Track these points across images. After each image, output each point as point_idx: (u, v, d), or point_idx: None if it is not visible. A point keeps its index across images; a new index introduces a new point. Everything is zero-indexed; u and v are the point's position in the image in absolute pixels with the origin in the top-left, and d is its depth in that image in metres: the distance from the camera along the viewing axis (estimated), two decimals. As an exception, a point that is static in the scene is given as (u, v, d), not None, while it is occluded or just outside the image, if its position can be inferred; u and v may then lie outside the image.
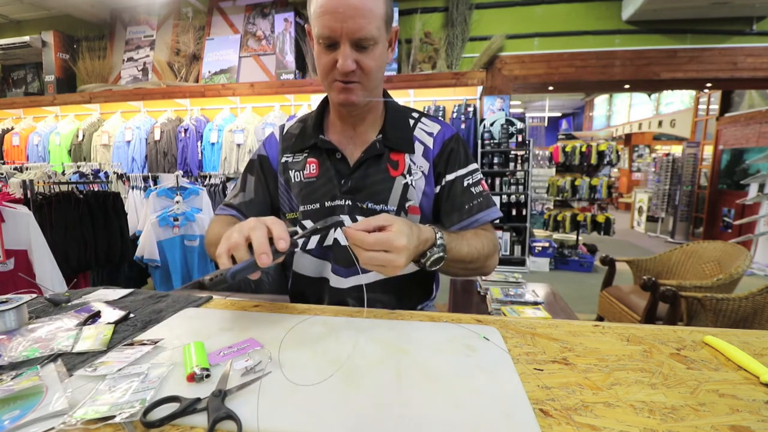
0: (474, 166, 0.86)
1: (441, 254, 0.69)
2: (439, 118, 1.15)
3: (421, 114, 0.89)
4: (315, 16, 0.69)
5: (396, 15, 4.07)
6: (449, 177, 0.83)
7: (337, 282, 0.82)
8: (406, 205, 0.81)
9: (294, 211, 0.85)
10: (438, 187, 0.84)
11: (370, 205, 0.80)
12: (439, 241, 0.69)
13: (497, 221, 4.39)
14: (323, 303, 0.85)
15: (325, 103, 0.89)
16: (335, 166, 0.82)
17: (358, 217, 0.81)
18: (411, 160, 0.82)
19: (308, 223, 0.82)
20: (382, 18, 0.70)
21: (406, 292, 0.85)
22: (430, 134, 0.85)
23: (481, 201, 0.83)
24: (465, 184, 0.83)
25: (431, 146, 0.84)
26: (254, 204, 0.87)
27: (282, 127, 0.92)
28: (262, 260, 0.54)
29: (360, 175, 0.81)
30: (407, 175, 0.81)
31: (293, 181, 0.84)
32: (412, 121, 0.86)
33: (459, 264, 0.74)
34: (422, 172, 0.83)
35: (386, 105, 0.86)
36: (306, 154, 0.85)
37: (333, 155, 0.83)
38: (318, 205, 0.81)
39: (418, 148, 0.83)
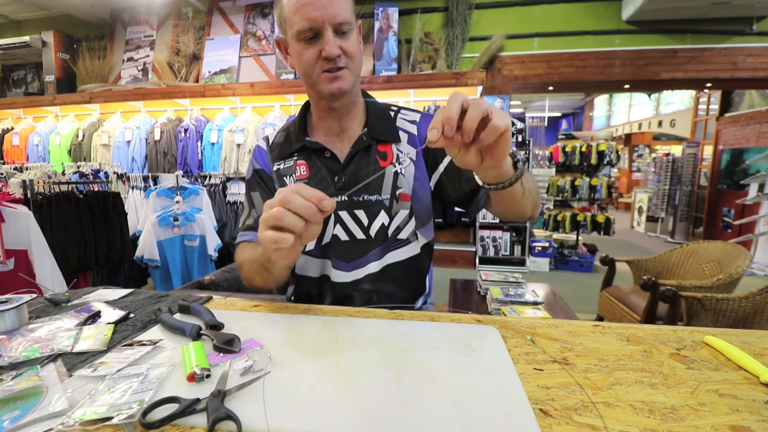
0: None
1: (524, 165, 0.62)
2: None
3: (399, 107, 0.92)
4: (291, 13, 0.72)
5: (396, 15, 4.08)
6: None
7: (339, 276, 0.83)
8: (397, 192, 0.83)
9: None
10: (443, 166, 0.83)
11: (365, 197, 0.82)
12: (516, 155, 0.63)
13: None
14: (326, 300, 0.86)
15: (305, 108, 0.90)
16: (326, 164, 0.83)
17: (356, 212, 0.82)
18: (398, 149, 0.84)
19: None
20: (352, 6, 0.75)
21: (404, 283, 0.86)
22: (412, 122, 0.87)
23: None
24: None
25: (416, 133, 0.86)
26: None
27: (267, 138, 0.93)
28: (317, 219, 0.52)
29: (352, 169, 0.82)
30: (396, 164, 0.83)
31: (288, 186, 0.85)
32: (392, 113, 0.89)
33: (527, 186, 0.67)
34: (410, 159, 0.84)
35: (366, 101, 0.88)
36: (295, 158, 0.86)
37: (322, 154, 0.84)
38: None
39: (403, 137, 0.86)
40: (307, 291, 0.89)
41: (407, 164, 0.84)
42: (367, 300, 0.84)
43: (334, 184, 0.82)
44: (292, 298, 0.94)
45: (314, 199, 0.52)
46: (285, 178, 0.86)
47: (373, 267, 0.83)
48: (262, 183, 0.88)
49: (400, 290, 0.85)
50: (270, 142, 0.91)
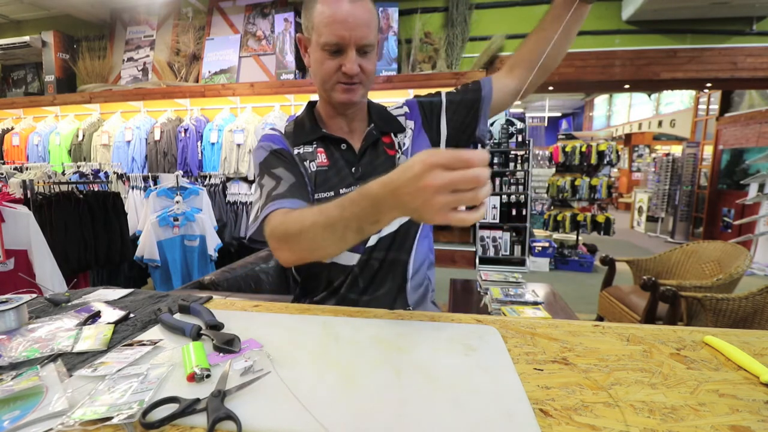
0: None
1: None
2: None
3: (386, 106, 1.00)
4: (322, 24, 0.75)
5: (396, 15, 4.08)
6: (447, 97, 0.94)
7: (347, 258, 0.86)
8: None
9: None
10: (444, 103, 0.93)
11: None
12: None
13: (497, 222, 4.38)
14: (334, 283, 0.87)
15: (310, 107, 0.93)
16: (343, 155, 0.88)
17: None
18: (395, 135, 0.92)
19: None
20: (377, 27, 0.81)
21: (393, 246, 0.88)
22: (400, 106, 0.97)
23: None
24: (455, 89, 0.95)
25: (408, 110, 0.95)
26: (298, 185, 0.80)
27: (275, 129, 0.94)
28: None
29: (367, 161, 0.88)
30: (399, 150, 0.91)
31: (309, 171, 0.86)
32: (387, 108, 0.98)
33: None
34: (410, 129, 0.92)
35: (368, 103, 0.95)
36: (315, 145, 0.89)
37: (338, 146, 0.88)
38: (333, 193, 0.85)
39: (401, 120, 0.95)
40: (317, 273, 0.90)
41: (409, 138, 0.91)
42: (363, 267, 0.86)
43: (353, 174, 0.86)
44: (297, 290, 0.96)
45: (481, 162, 0.45)
46: (306, 163, 0.86)
47: (372, 240, 0.86)
48: (285, 159, 0.84)
49: (389, 252, 0.88)
50: (284, 131, 0.91)
